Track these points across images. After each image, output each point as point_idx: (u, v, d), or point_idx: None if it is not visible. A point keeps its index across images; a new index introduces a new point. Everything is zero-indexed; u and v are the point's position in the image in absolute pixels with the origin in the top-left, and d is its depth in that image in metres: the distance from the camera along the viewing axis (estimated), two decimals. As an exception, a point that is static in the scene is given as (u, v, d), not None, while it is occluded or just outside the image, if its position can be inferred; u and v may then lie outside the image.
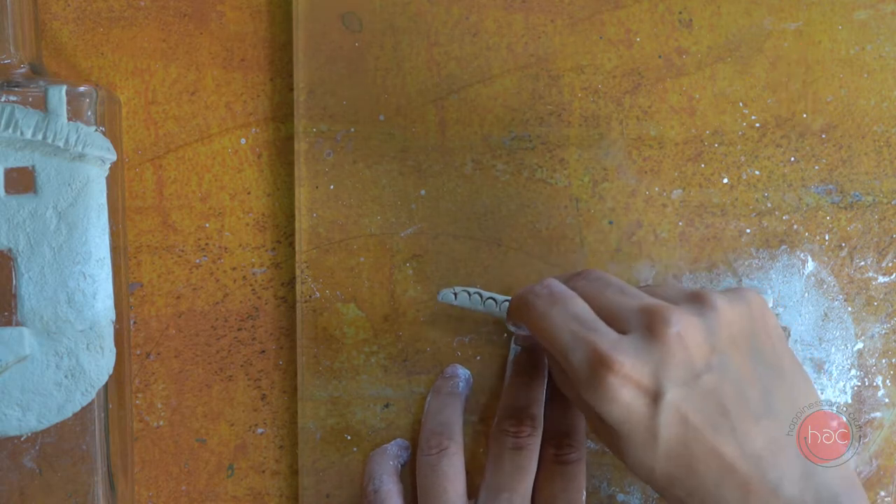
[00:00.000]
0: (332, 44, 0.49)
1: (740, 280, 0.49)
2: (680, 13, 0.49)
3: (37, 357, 0.42)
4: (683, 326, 0.38)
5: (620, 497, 0.49)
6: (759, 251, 0.49)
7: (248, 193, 0.50)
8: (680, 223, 0.49)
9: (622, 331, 0.39)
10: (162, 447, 0.49)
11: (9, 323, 0.42)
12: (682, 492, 0.38)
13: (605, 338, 0.39)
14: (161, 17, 0.49)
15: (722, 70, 0.49)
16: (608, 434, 0.39)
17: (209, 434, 0.49)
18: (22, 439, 0.43)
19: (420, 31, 0.49)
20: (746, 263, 0.49)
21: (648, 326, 0.39)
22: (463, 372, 0.48)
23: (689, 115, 0.49)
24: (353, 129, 0.49)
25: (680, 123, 0.49)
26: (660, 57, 0.49)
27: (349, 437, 0.49)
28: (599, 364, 0.38)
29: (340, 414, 0.49)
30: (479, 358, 0.49)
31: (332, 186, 0.49)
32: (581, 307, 0.40)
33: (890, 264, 0.49)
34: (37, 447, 0.43)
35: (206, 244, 0.49)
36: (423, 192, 0.48)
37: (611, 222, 0.49)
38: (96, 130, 0.43)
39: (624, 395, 0.38)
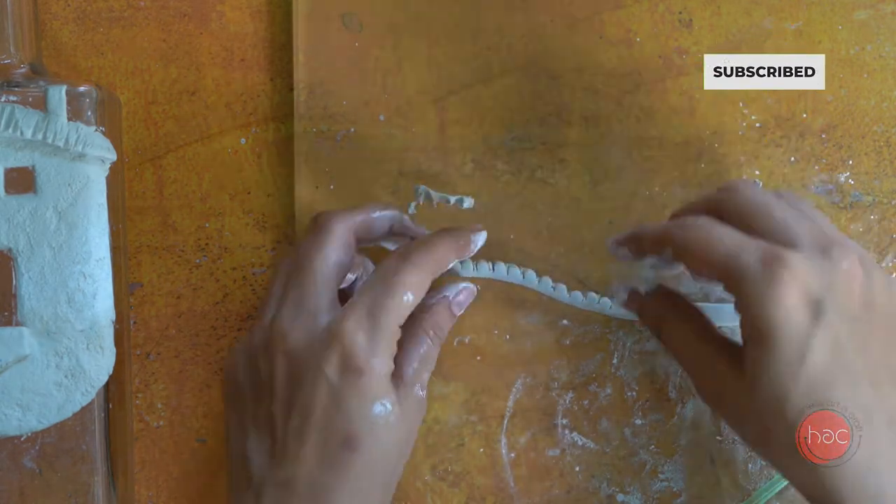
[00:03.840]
0: (332, 44, 0.49)
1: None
2: (680, 13, 0.49)
3: (37, 357, 0.42)
4: (854, 265, 0.39)
5: (620, 497, 0.49)
6: (759, 251, 0.49)
7: (248, 193, 0.50)
8: (680, 223, 0.49)
9: (790, 246, 0.39)
10: (162, 447, 0.49)
11: (9, 323, 0.42)
12: (806, 430, 0.38)
13: (779, 245, 0.39)
14: (161, 17, 0.49)
15: (722, 70, 0.49)
16: (751, 348, 0.38)
17: (209, 434, 0.49)
18: (22, 439, 0.43)
19: (420, 31, 0.49)
20: (746, 263, 0.49)
21: (824, 249, 0.39)
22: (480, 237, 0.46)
23: (689, 115, 0.49)
24: (353, 129, 0.49)
25: (680, 123, 0.49)
26: (660, 57, 0.49)
27: (349, 437, 0.49)
28: (775, 260, 0.38)
29: (340, 414, 0.49)
30: (479, 358, 0.49)
31: (332, 186, 0.49)
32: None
33: (890, 264, 0.49)
34: (37, 447, 0.43)
35: (206, 244, 0.49)
36: (423, 191, 0.48)
37: (611, 222, 0.49)
38: (96, 130, 0.43)
39: (792, 297, 0.37)
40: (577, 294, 0.47)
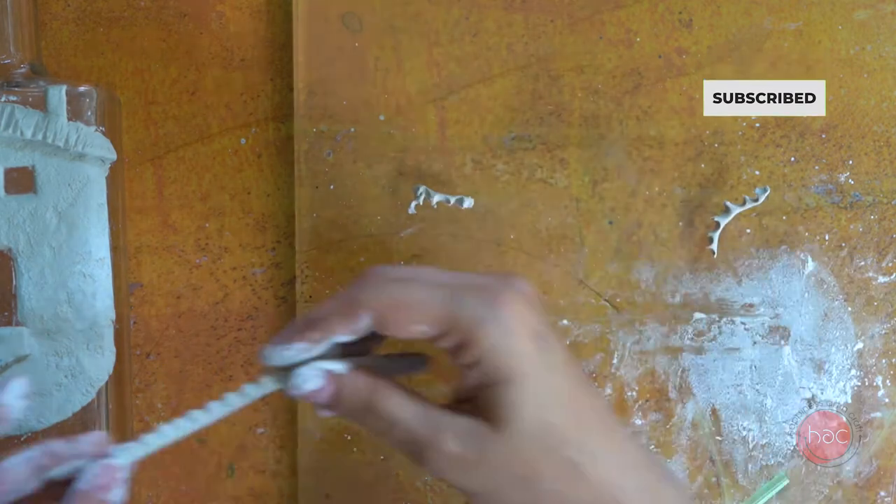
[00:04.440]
0: (332, 44, 0.49)
1: (740, 280, 0.49)
2: (680, 13, 0.49)
3: (36, 357, 0.42)
4: (531, 287, 0.38)
5: (620, 497, 0.49)
6: (759, 251, 0.49)
7: (248, 193, 0.50)
8: (680, 223, 0.49)
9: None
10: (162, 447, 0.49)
11: (9, 323, 0.42)
12: (575, 451, 0.36)
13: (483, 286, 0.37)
14: (161, 17, 0.49)
15: (722, 70, 0.49)
16: (499, 390, 0.36)
17: (209, 434, 0.49)
18: (22, 439, 0.43)
19: (420, 31, 0.49)
20: (746, 263, 0.49)
21: (508, 280, 0.38)
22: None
23: (689, 115, 0.49)
24: (353, 129, 0.49)
25: (680, 123, 0.49)
26: (660, 57, 0.49)
27: (349, 437, 0.49)
28: (497, 298, 0.36)
29: (340, 414, 0.49)
30: (479, 358, 0.49)
31: (332, 186, 0.49)
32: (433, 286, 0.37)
33: (890, 264, 0.49)
34: None
35: (206, 244, 0.49)
36: (423, 191, 0.48)
37: (611, 222, 0.49)
38: (96, 130, 0.43)
39: (524, 329, 0.36)
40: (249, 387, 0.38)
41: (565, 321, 0.49)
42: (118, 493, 0.36)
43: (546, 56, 0.49)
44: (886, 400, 0.49)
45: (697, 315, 0.49)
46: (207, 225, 0.49)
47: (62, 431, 0.43)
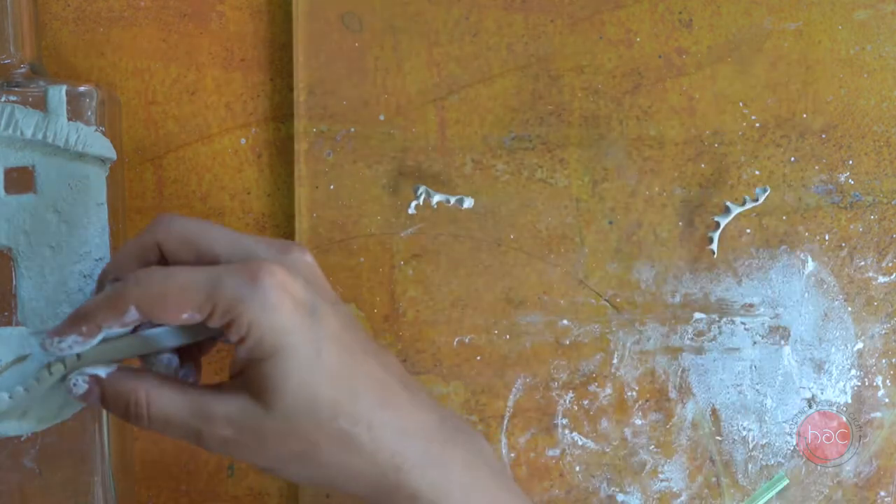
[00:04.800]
0: (332, 44, 0.49)
1: (740, 280, 0.49)
2: (680, 13, 0.49)
3: (36, 357, 0.42)
4: (312, 258, 0.39)
5: (620, 497, 0.49)
6: (759, 251, 0.49)
7: (248, 193, 0.50)
8: (680, 223, 0.49)
9: (249, 260, 0.37)
10: (162, 447, 0.49)
11: (8, 323, 0.42)
12: (346, 421, 0.37)
13: (249, 260, 0.37)
14: (161, 17, 0.49)
15: (722, 70, 0.49)
16: (264, 367, 0.36)
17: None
18: (22, 439, 0.43)
19: (420, 31, 0.49)
20: (746, 263, 0.49)
21: (281, 250, 0.38)
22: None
23: (689, 115, 0.49)
24: (353, 129, 0.49)
25: (680, 123, 0.49)
26: (660, 57, 0.49)
27: (349, 437, 0.49)
28: (256, 274, 0.36)
29: (340, 414, 0.49)
30: (479, 358, 0.49)
31: (332, 186, 0.49)
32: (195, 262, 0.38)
33: (890, 264, 0.49)
34: (37, 447, 0.43)
35: (206, 244, 0.49)
36: (423, 191, 0.48)
37: (611, 222, 0.49)
38: (96, 130, 0.43)
39: (287, 301, 0.36)
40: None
41: (565, 321, 0.49)
42: None
43: (546, 56, 0.49)
44: (886, 400, 0.49)
45: (697, 315, 0.49)
46: (207, 225, 0.49)
47: (62, 432, 0.43)
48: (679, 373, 0.49)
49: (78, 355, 0.38)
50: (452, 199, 0.47)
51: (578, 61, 0.49)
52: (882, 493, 0.49)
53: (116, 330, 0.38)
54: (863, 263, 0.49)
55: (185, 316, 0.37)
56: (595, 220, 0.49)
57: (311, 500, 0.49)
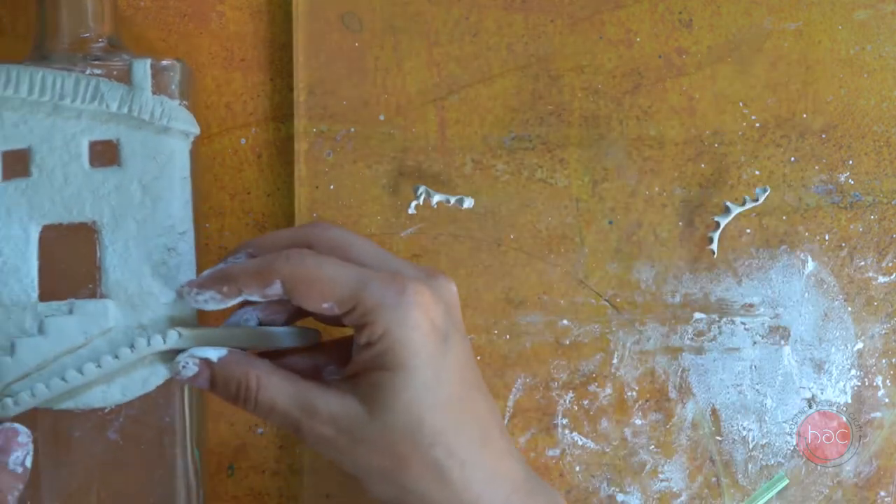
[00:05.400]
0: (332, 44, 0.49)
1: (740, 280, 0.49)
2: (680, 13, 0.49)
3: (121, 330, 0.41)
4: (455, 289, 0.39)
5: (620, 497, 0.49)
6: (759, 251, 0.49)
7: (248, 193, 0.50)
8: (680, 223, 0.49)
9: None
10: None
11: (93, 295, 0.42)
12: (442, 452, 0.37)
13: (399, 272, 0.38)
14: (161, 17, 0.49)
15: (722, 70, 0.49)
16: (382, 376, 0.37)
17: (209, 434, 0.49)
18: (106, 411, 0.43)
19: (420, 31, 0.49)
20: (746, 263, 0.49)
21: (430, 275, 0.39)
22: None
23: (689, 115, 0.49)
24: (353, 129, 0.49)
25: (680, 123, 0.49)
26: (660, 57, 0.49)
27: (349, 437, 0.49)
28: (404, 287, 0.37)
29: (340, 414, 0.49)
30: (479, 358, 0.49)
31: (332, 186, 0.49)
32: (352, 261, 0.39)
33: (890, 264, 0.49)
34: (120, 419, 0.43)
35: (206, 244, 0.49)
36: (423, 191, 0.48)
37: (611, 222, 0.49)
38: (180, 104, 0.43)
39: (424, 324, 0.37)
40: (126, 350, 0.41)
41: (565, 321, 0.49)
42: (19, 455, 0.38)
43: (546, 56, 0.49)
44: (886, 400, 0.49)
45: (697, 315, 0.49)
46: (208, 225, 0.49)
47: (145, 404, 0.43)
48: (679, 373, 0.49)
49: (180, 333, 0.39)
50: (452, 199, 0.47)
51: (578, 61, 0.49)
52: (882, 493, 0.49)
53: (250, 297, 0.39)
54: (863, 263, 0.49)
55: (325, 305, 0.37)
56: (595, 220, 0.49)
57: (311, 500, 0.49)
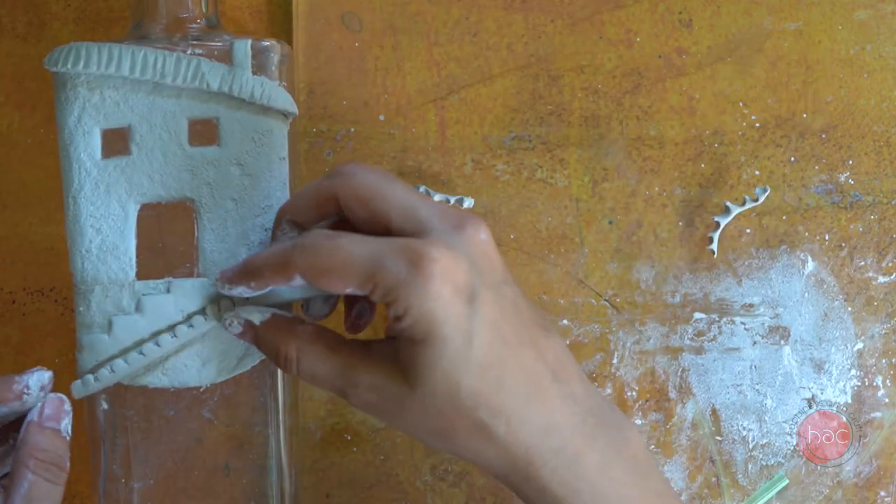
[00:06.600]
0: (332, 44, 0.49)
1: (740, 280, 0.49)
2: (680, 13, 0.49)
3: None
4: (487, 234, 0.38)
5: (620, 497, 0.49)
6: (759, 251, 0.49)
7: (248, 193, 0.50)
8: (680, 223, 0.49)
9: (419, 231, 0.38)
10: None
11: (191, 274, 0.42)
12: (486, 413, 0.37)
13: (415, 238, 0.37)
14: (161, 17, 0.49)
15: (722, 70, 0.49)
16: (416, 348, 0.37)
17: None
18: (201, 390, 0.43)
19: (420, 31, 0.49)
20: (746, 263, 0.49)
21: (456, 226, 0.38)
22: None
23: (689, 115, 0.49)
24: (353, 129, 0.49)
25: (680, 123, 0.49)
26: (660, 57, 0.49)
27: (349, 437, 0.49)
28: (420, 259, 0.36)
29: (340, 414, 0.49)
30: (479, 358, 0.49)
31: (332, 186, 0.49)
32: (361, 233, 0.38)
33: (890, 264, 0.49)
34: (215, 398, 0.43)
35: (206, 244, 0.49)
36: (423, 191, 0.48)
37: (611, 222, 0.49)
38: (279, 85, 0.43)
39: (447, 289, 0.36)
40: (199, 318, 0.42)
41: (565, 321, 0.49)
42: (67, 423, 0.39)
43: (546, 56, 0.49)
44: (886, 400, 0.49)
45: (697, 315, 0.49)
46: (207, 225, 0.49)
47: (240, 383, 0.43)
48: (679, 373, 0.49)
49: (233, 301, 0.40)
50: (452, 199, 0.47)
51: (578, 61, 0.49)
52: (882, 493, 0.49)
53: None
54: (863, 263, 0.49)
55: (348, 290, 0.37)
56: (595, 220, 0.49)
57: (311, 500, 0.49)
